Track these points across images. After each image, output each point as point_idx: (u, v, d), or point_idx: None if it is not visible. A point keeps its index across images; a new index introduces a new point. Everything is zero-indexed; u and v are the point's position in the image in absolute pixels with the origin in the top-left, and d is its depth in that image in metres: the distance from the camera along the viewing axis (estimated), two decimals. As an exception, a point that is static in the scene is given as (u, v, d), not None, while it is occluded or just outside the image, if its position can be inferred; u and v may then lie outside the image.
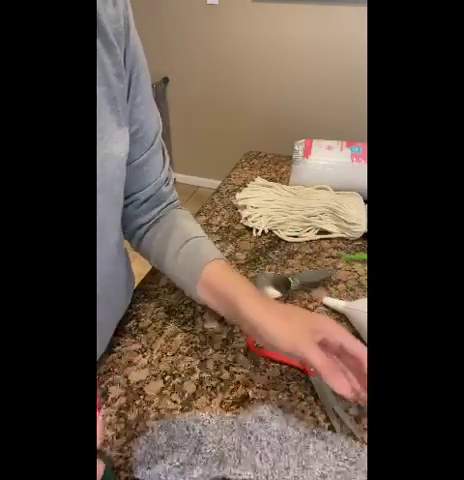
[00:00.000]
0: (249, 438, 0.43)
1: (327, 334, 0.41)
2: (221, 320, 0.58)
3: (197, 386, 0.50)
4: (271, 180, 0.91)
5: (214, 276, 0.48)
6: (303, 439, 0.43)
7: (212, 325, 0.58)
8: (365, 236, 0.74)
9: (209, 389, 0.49)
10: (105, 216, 0.44)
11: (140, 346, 0.55)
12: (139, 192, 0.54)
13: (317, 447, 0.42)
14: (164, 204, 0.57)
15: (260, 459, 0.41)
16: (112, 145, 0.42)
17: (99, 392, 0.35)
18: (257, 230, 0.76)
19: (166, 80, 2.34)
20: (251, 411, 0.46)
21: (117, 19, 0.41)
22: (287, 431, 0.44)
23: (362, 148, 0.83)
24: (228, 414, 0.46)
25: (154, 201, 0.56)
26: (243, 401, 0.48)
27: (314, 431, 0.44)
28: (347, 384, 0.37)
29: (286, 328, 0.41)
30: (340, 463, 0.41)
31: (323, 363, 0.38)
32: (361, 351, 0.39)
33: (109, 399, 0.48)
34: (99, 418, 0.32)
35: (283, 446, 0.42)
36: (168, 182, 0.58)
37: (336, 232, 0.75)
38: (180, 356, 0.53)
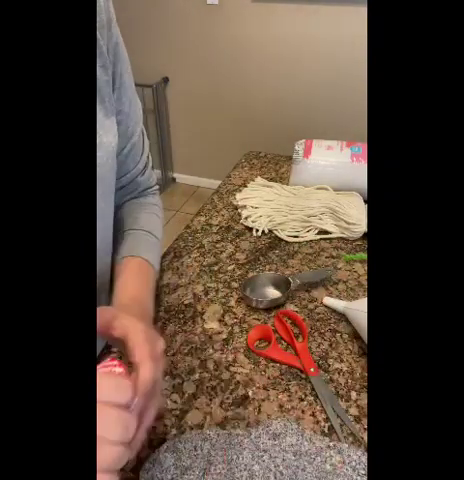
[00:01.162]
0: (262, 456, 0.42)
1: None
2: (221, 320, 0.58)
3: (197, 386, 0.49)
4: (271, 180, 0.91)
5: (120, 267, 0.50)
6: (319, 454, 0.42)
7: (212, 325, 0.58)
8: (365, 236, 0.74)
9: (209, 389, 0.49)
10: (100, 207, 0.45)
11: (140, 346, 0.55)
12: (116, 180, 0.54)
13: (334, 461, 0.41)
14: (136, 192, 0.60)
15: (275, 477, 0.40)
16: (102, 135, 0.43)
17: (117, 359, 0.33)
18: (257, 230, 0.76)
19: (166, 80, 2.34)
20: (264, 428, 0.44)
21: (99, 11, 0.41)
22: (302, 445, 0.43)
23: (362, 148, 0.83)
24: (238, 431, 0.44)
25: (128, 189, 0.59)
26: (243, 401, 0.48)
27: (330, 444, 0.43)
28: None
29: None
30: (358, 477, 0.40)
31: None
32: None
33: (109, 399, 0.48)
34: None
35: (299, 462, 0.41)
36: (144, 171, 0.59)
37: (336, 232, 0.75)
38: (180, 356, 0.53)
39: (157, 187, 0.65)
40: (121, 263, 0.50)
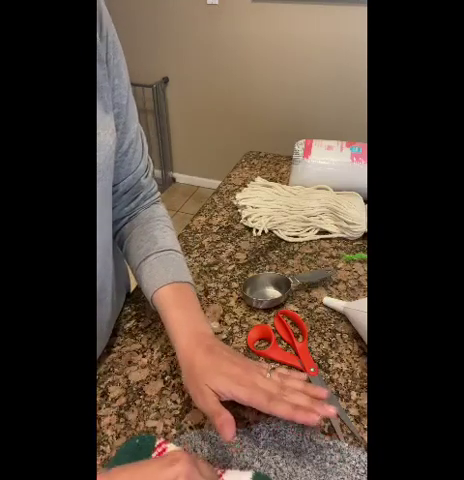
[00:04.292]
0: (262, 453, 0.42)
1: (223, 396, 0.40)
2: (221, 320, 0.58)
3: (197, 386, 0.49)
4: (271, 180, 0.91)
5: (160, 300, 0.49)
6: (319, 452, 0.42)
7: (212, 325, 0.58)
8: (365, 236, 0.74)
9: (209, 389, 0.49)
10: (99, 208, 0.44)
11: (140, 346, 0.55)
12: (119, 183, 0.54)
13: (334, 459, 0.41)
14: (142, 196, 0.58)
15: (275, 474, 0.40)
16: (102, 133, 0.42)
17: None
18: (257, 230, 0.76)
19: (166, 80, 2.34)
20: (265, 424, 0.45)
21: None
22: (303, 443, 0.43)
23: (362, 148, 0.83)
24: (238, 429, 0.43)
25: (133, 193, 0.56)
26: (243, 401, 0.48)
27: (330, 443, 0.43)
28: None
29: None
30: (358, 477, 0.40)
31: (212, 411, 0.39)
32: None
33: (109, 399, 0.48)
34: None
35: (299, 460, 0.41)
36: (147, 173, 0.58)
37: (336, 232, 0.75)
38: (180, 356, 0.53)
39: (159, 194, 0.62)
40: (162, 295, 0.49)
